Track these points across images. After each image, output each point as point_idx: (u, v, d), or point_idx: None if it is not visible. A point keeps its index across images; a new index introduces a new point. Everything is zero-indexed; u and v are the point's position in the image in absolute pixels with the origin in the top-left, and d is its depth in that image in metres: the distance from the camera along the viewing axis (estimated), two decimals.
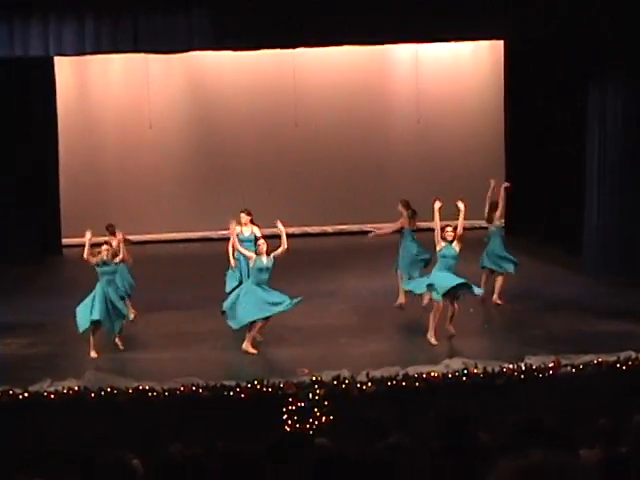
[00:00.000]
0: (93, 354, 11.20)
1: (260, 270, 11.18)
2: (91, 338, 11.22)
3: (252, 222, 12.32)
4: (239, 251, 11.56)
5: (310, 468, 5.09)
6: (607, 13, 12.99)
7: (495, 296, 12.79)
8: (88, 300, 11.20)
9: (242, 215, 12.34)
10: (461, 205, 11.59)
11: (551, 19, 12.84)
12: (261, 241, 11.37)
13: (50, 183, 16.78)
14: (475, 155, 17.67)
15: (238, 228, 12.17)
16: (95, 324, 11.16)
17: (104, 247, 11.45)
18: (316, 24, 12.83)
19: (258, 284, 11.16)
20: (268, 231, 17.06)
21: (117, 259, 11.45)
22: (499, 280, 12.84)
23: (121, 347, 11.40)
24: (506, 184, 13.12)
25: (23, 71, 15.16)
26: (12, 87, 15.53)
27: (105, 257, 11.31)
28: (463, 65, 17.72)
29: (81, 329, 11.18)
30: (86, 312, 11.15)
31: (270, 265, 11.21)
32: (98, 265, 11.27)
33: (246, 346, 11.16)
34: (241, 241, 11.96)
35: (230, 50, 14.25)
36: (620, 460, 5.05)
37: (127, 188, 17.43)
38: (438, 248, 11.35)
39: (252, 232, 12.21)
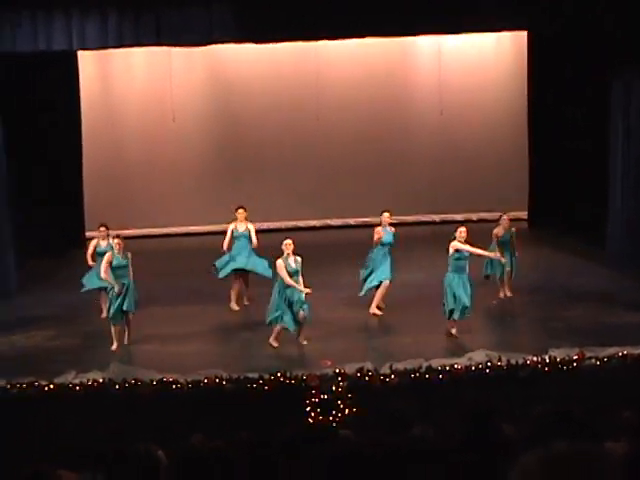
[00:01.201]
0: (114, 346, 11.29)
1: (289, 275, 11.07)
2: (112, 329, 11.30)
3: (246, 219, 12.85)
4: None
5: (333, 461, 5.09)
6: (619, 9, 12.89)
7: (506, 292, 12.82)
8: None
9: (239, 211, 12.88)
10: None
11: (570, 13, 12.76)
12: (288, 241, 11.25)
13: (73, 176, 16.86)
14: (498, 146, 17.58)
15: (233, 225, 12.80)
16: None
17: (115, 241, 11.53)
18: (338, 16, 12.80)
19: (289, 288, 11.09)
20: (290, 224, 17.19)
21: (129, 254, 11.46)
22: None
23: (125, 341, 11.45)
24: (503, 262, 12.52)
25: (47, 65, 15.21)
26: (36, 81, 15.60)
27: (117, 252, 11.38)
28: (486, 56, 17.62)
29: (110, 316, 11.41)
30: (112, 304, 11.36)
31: (298, 267, 11.15)
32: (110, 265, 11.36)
33: (271, 339, 11.23)
34: (236, 237, 12.74)
35: (252, 43, 14.26)
36: None
37: (150, 181, 17.48)
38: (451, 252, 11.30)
39: (247, 228, 12.81)
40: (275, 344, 11.21)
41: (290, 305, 11.06)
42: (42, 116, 15.83)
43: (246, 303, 12.97)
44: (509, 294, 12.82)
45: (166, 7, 12.84)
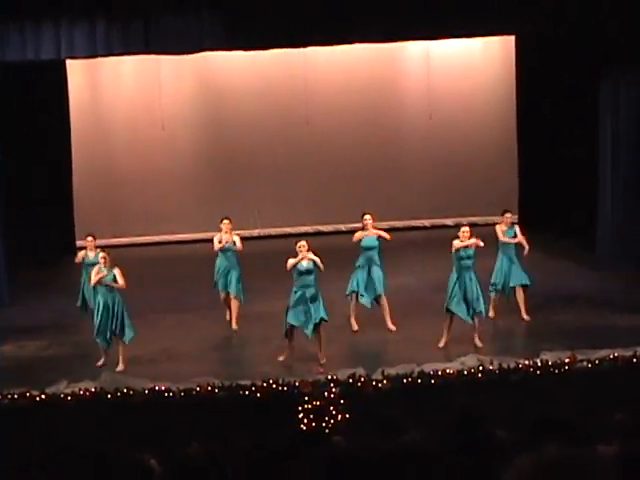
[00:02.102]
0: (120, 367, 10.96)
1: (300, 273, 10.83)
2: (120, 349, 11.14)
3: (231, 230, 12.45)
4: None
5: (326, 467, 5.10)
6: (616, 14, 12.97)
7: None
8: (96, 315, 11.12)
9: (224, 222, 12.47)
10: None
11: (560, 17, 12.81)
12: (302, 242, 10.97)
13: (64, 185, 16.83)
14: (488, 150, 17.62)
15: (218, 236, 12.37)
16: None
17: (101, 255, 11.30)
18: (327, 23, 12.83)
19: (301, 287, 10.86)
20: (279, 230, 17.21)
21: (118, 274, 11.04)
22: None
23: (120, 367, 11.01)
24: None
25: (36, 74, 15.19)
26: (25, 90, 15.57)
27: (103, 265, 11.08)
28: (474, 61, 17.66)
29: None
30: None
31: (311, 267, 10.85)
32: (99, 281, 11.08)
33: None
34: (223, 249, 12.29)
35: (241, 50, 14.27)
36: (638, 456, 5.01)
37: (140, 190, 17.45)
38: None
39: (233, 241, 12.41)
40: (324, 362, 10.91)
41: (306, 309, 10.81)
42: (31, 125, 15.80)
43: (234, 327, 12.42)
44: (526, 317, 12.10)
45: (155, 15, 12.83)
